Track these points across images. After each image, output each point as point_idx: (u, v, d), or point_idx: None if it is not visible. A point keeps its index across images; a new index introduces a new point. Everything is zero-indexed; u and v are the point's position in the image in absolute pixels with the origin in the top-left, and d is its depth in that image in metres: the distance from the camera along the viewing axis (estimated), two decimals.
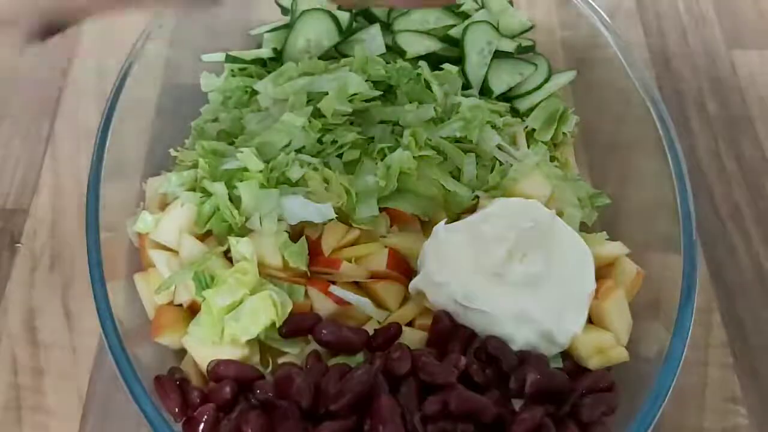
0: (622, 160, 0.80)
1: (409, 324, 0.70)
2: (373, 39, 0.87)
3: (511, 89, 0.87)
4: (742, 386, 0.77)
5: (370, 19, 0.90)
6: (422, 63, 0.84)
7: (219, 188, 0.72)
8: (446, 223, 0.72)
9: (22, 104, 0.94)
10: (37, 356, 0.76)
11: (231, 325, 0.65)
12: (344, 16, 0.86)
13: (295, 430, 0.58)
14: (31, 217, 0.85)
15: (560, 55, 0.93)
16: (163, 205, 0.75)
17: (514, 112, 0.86)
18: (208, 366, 0.65)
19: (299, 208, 0.70)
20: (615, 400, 0.64)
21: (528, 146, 0.81)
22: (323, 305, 0.68)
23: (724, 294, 0.83)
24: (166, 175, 0.76)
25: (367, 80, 0.79)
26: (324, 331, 0.66)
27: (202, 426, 0.61)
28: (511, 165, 0.78)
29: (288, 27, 0.88)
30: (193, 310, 0.69)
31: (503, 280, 0.68)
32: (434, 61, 0.86)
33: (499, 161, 0.78)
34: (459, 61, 0.87)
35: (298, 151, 0.75)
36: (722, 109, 0.98)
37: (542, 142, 0.83)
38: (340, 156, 0.75)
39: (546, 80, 0.87)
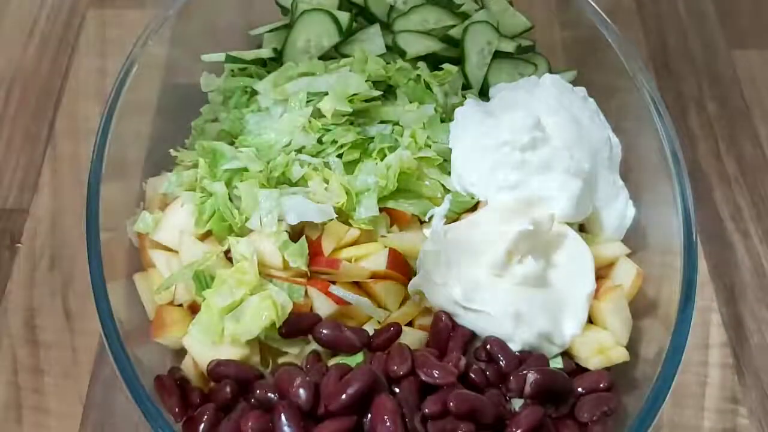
0: (622, 160, 0.79)
1: (409, 324, 0.70)
2: (373, 39, 0.87)
3: None
4: (742, 386, 0.77)
5: (370, 19, 0.90)
6: (421, 64, 0.84)
7: (219, 188, 0.72)
8: (446, 223, 0.72)
9: (22, 104, 0.94)
10: (37, 356, 0.76)
11: (231, 325, 0.65)
12: (344, 17, 0.86)
13: (295, 430, 0.58)
14: (31, 217, 0.85)
15: (560, 55, 0.93)
16: (163, 205, 0.75)
17: None
18: (208, 366, 0.65)
19: (299, 208, 0.70)
20: (615, 400, 0.64)
21: None
22: (323, 305, 0.68)
23: (724, 294, 0.83)
24: (166, 175, 0.76)
25: (367, 80, 0.79)
26: (324, 331, 0.66)
27: (202, 426, 0.61)
28: None
29: (288, 27, 0.88)
30: (193, 310, 0.69)
31: (503, 280, 0.68)
32: (434, 61, 0.86)
33: None
34: (459, 61, 0.87)
35: (298, 151, 0.75)
36: (722, 109, 0.98)
37: None
38: (340, 156, 0.75)
39: None
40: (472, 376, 0.63)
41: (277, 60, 0.87)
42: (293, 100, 0.78)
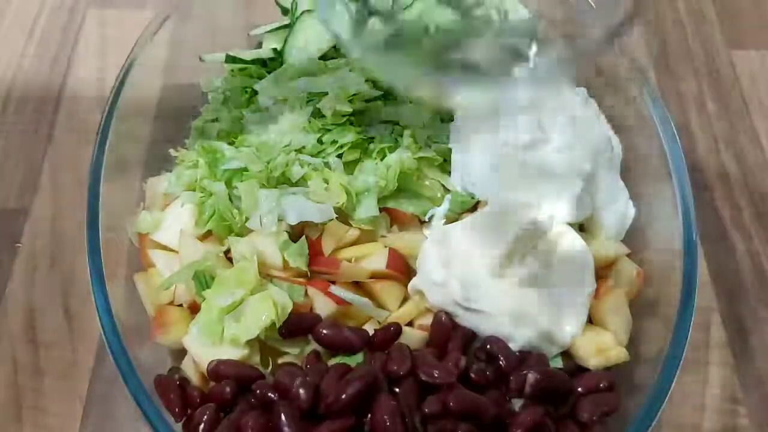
0: (622, 160, 0.80)
1: (409, 324, 0.70)
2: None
3: None
4: (742, 386, 0.77)
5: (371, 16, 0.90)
6: None
7: (219, 188, 0.72)
8: (446, 223, 0.72)
9: (23, 103, 0.94)
10: (37, 356, 0.76)
11: (231, 325, 0.65)
12: None
13: (295, 430, 0.58)
14: (31, 217, 0.85)
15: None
16: (163, 205, 0.75)
17: None
18: (208, 366, 0.65)
19: (299, 208, 0.70)
20: (615, 400, 0.64)
21: None
22: (323, 305, 0.68)
23: (724, 294, 0.83)
24: (166, 175, 0.76)
25: (366, 80, 0.79)
26: (324, 331, 0.66)
27: (202, 426, 0.61)
28: None
29: (288, 27, 0.87)
30: (193, 310, 0.69)
31: (503, 280, 0.68)
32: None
33: None
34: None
35: (298, 151, 0.75)
36: (722, 109, 0.98)
37: None
38: (340, 156, 0.75)
39: None
40: (472, 376, 0.63)
41: (277, 60, 0.87)
42: (293, 100, 0.78)
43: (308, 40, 0.86)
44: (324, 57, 0.86)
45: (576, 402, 0.64)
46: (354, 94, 0.77)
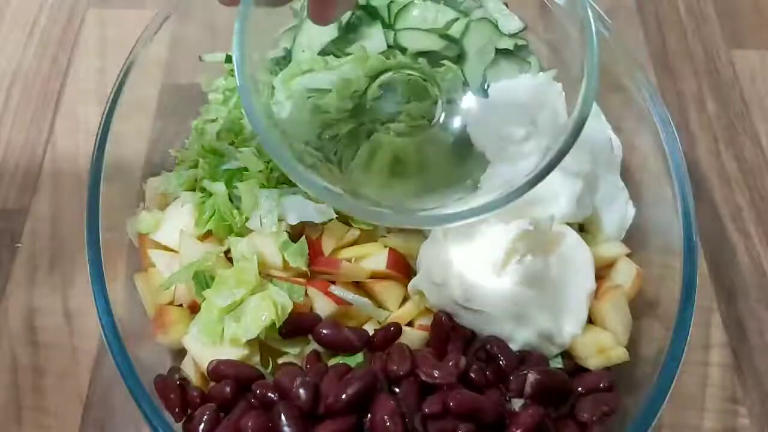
0: (622, 160, 0.79)
1: (409, 324, 0.70)
2: (374, 36, 0.86)
3: None
4: (742, 386, 0.77)
5: (372, 15, 0.90)
6: (422, 60, 0.84)
7: (219, 188, 0.72)
8: None
9: (22, 104, 0.94)
10: (37, 356, 0.76)
11: (231, 325, 0.65)
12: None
13: (295, 430, 0.58)
14: (31, 217, 0.85)
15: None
16: (163, 205, 0.75)
17: None
18: (208, 366, 0.65)
19: (299, 208, 0.70)
20: (615, 400, 0.64)
21: None
22: (323, 305, 0.68)
23: (724, 294, 0.83)
24: (166, 175, 0.76)
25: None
26: (324, 331, 0.66)
27: (202, 426, 0.61)
28: None
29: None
30: (193, 310, 0.69)
31: (502, 280, 0.67)
32: (434, 59, 0.86)
33: None
34: (459, 59, 0.86)
35: None
36: (722, 109, 0.98)
37: None
38: None
39: None
40: (472, 376, 0.63)
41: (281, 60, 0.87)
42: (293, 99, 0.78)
43: (311, 37, 0.86)
44: (323, 53, 0.86)
45: (576, 402, 0.64)
46: (355, 91, 0.77)
